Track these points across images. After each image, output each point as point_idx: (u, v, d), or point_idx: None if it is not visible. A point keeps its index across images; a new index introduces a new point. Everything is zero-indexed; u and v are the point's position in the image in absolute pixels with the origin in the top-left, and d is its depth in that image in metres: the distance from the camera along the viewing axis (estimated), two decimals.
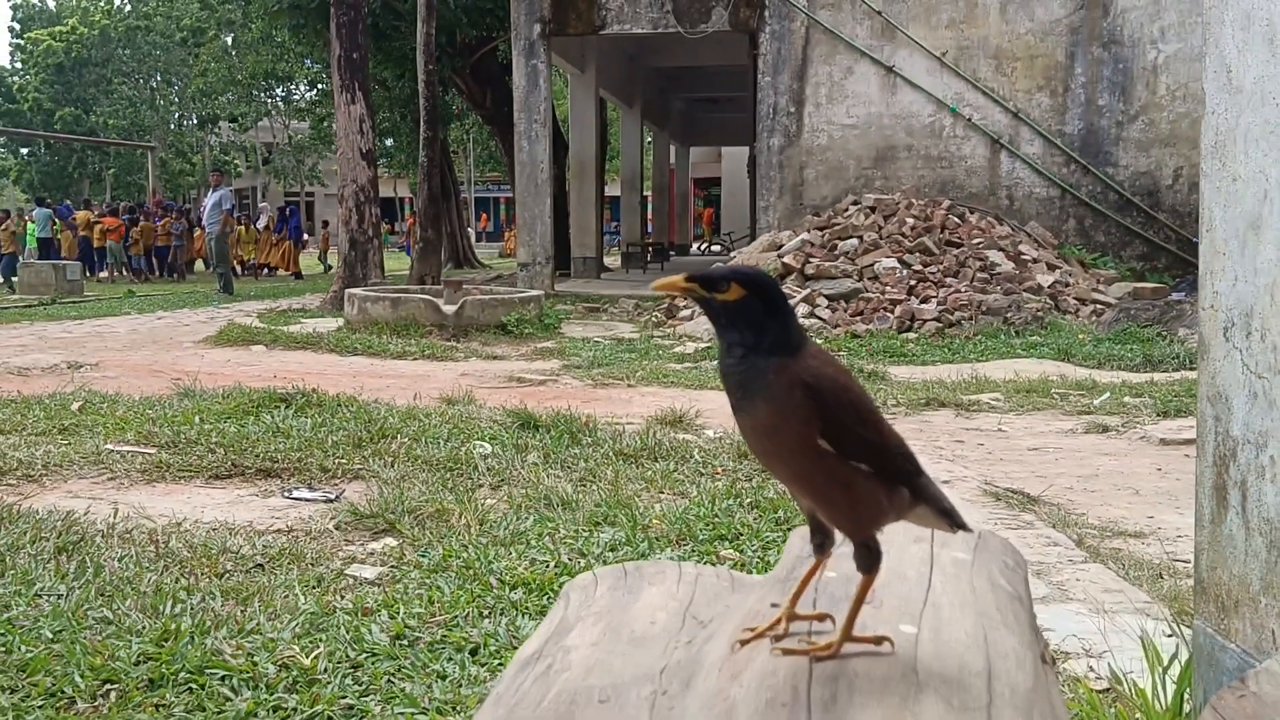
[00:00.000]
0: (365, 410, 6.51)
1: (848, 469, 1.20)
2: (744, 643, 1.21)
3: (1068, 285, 13.40)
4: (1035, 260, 13.91)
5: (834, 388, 1.20)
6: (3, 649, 3.03)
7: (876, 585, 1.37)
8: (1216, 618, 2.20)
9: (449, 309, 12.18)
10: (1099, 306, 13.01)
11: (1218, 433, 2.11)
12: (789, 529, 4.44)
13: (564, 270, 22.96)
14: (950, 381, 9.37)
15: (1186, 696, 2.44)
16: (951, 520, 1.28)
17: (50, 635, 3.14)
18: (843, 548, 1.33)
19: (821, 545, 1.28)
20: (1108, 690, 2.98)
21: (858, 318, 12.74)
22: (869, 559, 1.21)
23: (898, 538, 1.58)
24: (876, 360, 11.04)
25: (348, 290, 13.50)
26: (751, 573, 3.92)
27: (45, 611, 3.31)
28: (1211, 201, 2.09)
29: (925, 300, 12.77)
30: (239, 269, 29.27)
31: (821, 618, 1.27)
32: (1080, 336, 11.64)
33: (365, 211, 16.05)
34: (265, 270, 29.76)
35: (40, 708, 2.75)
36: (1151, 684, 2.51)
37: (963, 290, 12.80)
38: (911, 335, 12.19)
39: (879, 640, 1.18)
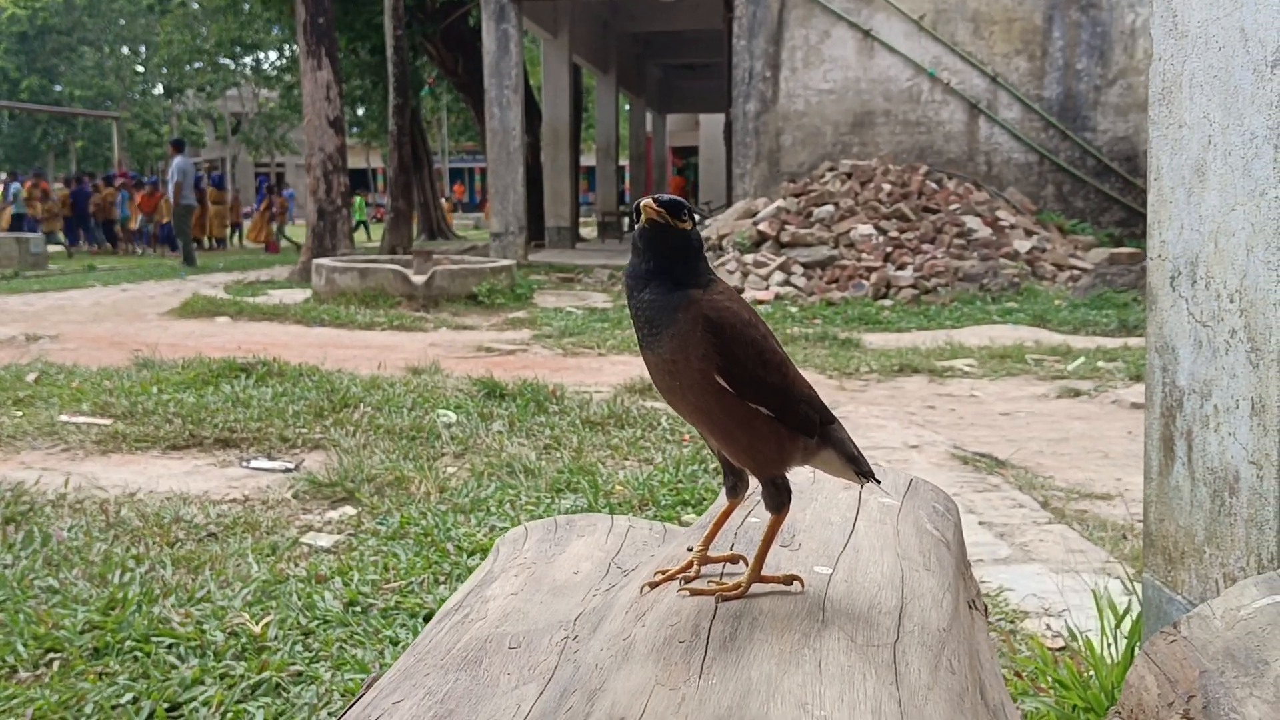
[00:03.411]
0: (328, 380, 6.43)
1: (747, 409, 1.16)
2: (653, 585, 1.17)
3: (1045, 251, 13.39)
4: (1013, 226, 13.90)
5: (736, 325, 1.17)
6: None
7: (798, 529, 1.33)
8: (1164, 570, 2.18)
9: (418, 279, 12.07)
10: (1076, 272, 13.01)
11: (1165, 383, 2.08)
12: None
13: (539, 240, 22.85)
14: (925, 348, 9.36)
15: (1137, 650, 2.42)
16: (857, 467, 1.24)
17: None
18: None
19: (734, 488, 1.24)
20: (1064, 648, 2.96)
21: (833, 285, 12.71)
22: (777, 497, 1.17)
23: (827, 484, 1.54)
24: (852, 327, 11.03)
25: (315, 261, 13.36)
26: None
27: None
28: (1159, 149, 2.05)
29: (902, 267, 12.75)
30: (214, 242, 28.98)
31: (734, 559, 1.23)
32: (1056, 302, 11.65)
33: (333, 181, 15.88)
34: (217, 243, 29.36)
35: None
36: (1102, 639, 2.49)
37: (939, 257, 12.79)
38: (887, 302, 12.18)
39: (788, 580, 1.15)
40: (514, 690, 1.01)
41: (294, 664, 2.85)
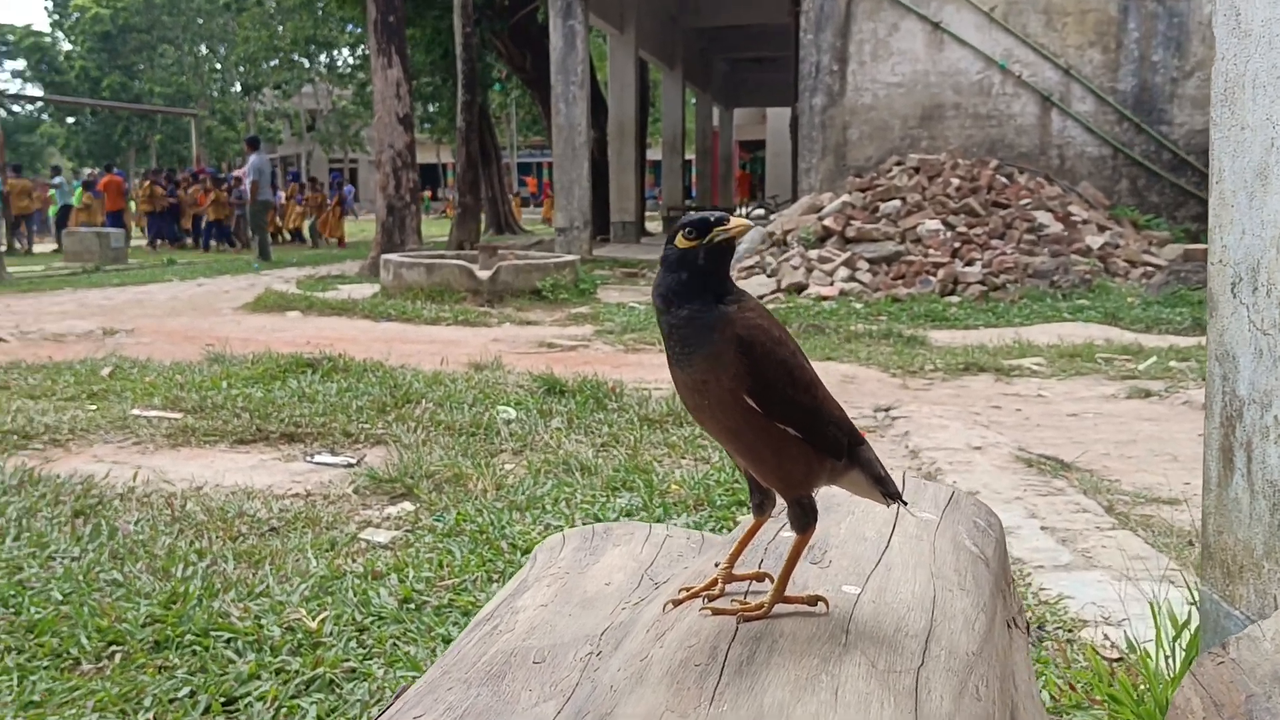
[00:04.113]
0: (391, 376, 6.51)
1: (775, 430, 1.15)
2: (676, 603, 1.17)
3: (1118, 247, 13.10)
4: (1085, 221, 13.62)
5: (767, 344, 1.16)
6: (12, 610, 3.05)
7: (831, 545, 1.31)
8: (1222, 584, 2.12)
9: (483, 274, 12.17)
10: (1149, 269, 12.72)
11: (1224, 392, 2.02)
12: None
13: (604, 235, 22.91)
14: (992, 346, 9.22)
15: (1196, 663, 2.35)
16: (884, 488, 1.22)
17: (60, 597, 3.16)
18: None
19: (760, 505, 1.23)
20: (1120, 659, 2.90)
21: (899, 281, 12.56)
22: (803, 518, 1.16)
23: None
24: (917, 324, 10.89)
25: (384, 256, 13.53)
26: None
27: (57, 573, 3.33)
28: (1220, 152, 1.99)
29: (969, 263, 12.56)
30: (290, 236, 29.49)
31: (760, 577, 1.22)
32: (1129, 300, 11.40)
33: (403, 177, 16.06)
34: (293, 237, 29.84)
35: (45, 668, 2.76)
36: (1158, 651, 2.43)
37: (1008, 252, 12.57)
38: (954, 299, 12.01)
39: (813, 600, 1.13)
40: (533, 708, 1.01)
41: (347, 660, 2.89)
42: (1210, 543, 2.17)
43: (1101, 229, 13.56)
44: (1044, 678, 2.77)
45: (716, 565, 1.25)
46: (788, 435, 1.15)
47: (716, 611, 1.12)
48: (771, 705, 0.87)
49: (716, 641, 1.03)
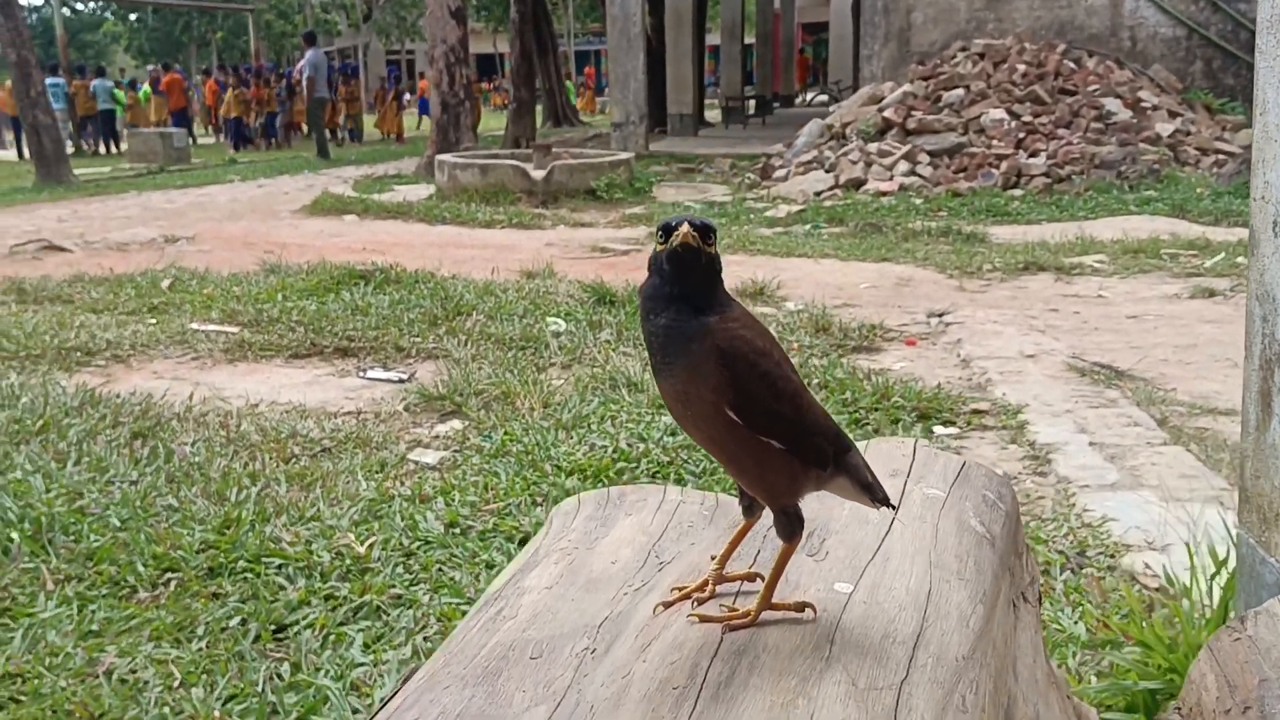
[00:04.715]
0: (443, 286, 6.55)
1: (758, 442, 1.14)
2: (666, 605, 1.18)
3: (1189, 134, 12.63)
4: (1155, 108, 13.12)
5: (749, 356, 1.14)
6: (72, 538, 3.17)
7: (831, 531, 1.31)
8: (1258, 529, 2.09)
9: (538, 174, 12.10)
10: (1221, 157, 12.26)
11: (1264, 335, 1.96)
12: (855, 412, 4.37)
13: (661, 127, 22.58)
14: (1053, 243, 9.01)
15: (1232, 605, 2.34)
16: (872, 495, 1.21)
17: (118, 523, 3.28)
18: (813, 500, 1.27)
19: (750, 507, 1.23)
20: (1159, 590, 2.89)
21: (960, 174, 12.27)
22: (789, 526, 1.16)
23: (875, 470, 1.51)
24: (978, 220, 10.66)
25: (438, 157, 13.48)
26: None
27: (115, 499, 3.45)
28: (1266, 82, 1.90)
29: (1034, 154, 12.21)
30: (351, 134, 29.41)
31: (751, 577, 1.22)
32: (1198, 190, 11.02)
33: (456, 73, 15.88)
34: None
35: (104, 597, 2.88)
36: (1194, 586, 2.41)
37: (1075, 142, 12.19)
38: (1017, 192, 11.71)
39: (800, 607, 1.13)
40: (525, 712, 1.04)
41: (394, 586, 2.97)
42: (1247, 487, 2.13)
43: (1172, 115, 13.06)
44: (1081, 609, 2.77)
45: (712, 558, 1.25)
46: (771, 447, 1.14)
47: (703, 619, 1.13)
48: None
49: (698, 658, 1.04)
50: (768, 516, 1.21)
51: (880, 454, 1.53)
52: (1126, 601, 2.70)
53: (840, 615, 1.11)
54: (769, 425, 1.14)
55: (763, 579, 1.17)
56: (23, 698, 2.40)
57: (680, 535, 1.47)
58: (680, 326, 1.14)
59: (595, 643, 1.17)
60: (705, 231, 1.17)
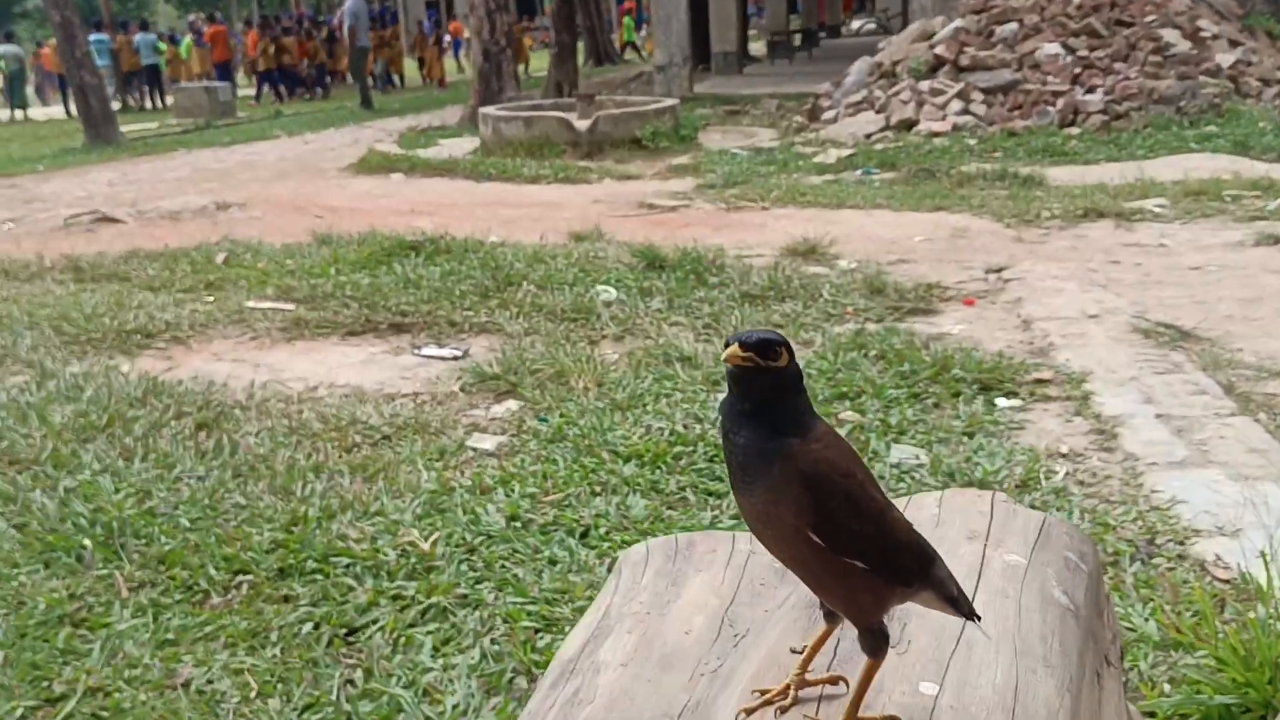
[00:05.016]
0: (493, 256, 6.54)
1: (842, 563, 1.11)
2: (749, 712, 1.17)
3: (1250, 64, 12.22)
4: (1215, 37, 12.69)
5: (833, 479, 1.11)
6: (144, 541, 3.23)
7: (911, 616, 1.29)
8: None
9: (582, 125, 12.00)
10: None
11: None
12: (914, 385, 4.32)
13: (705, 65, 22.26)
14: (1112, 185, 8.82)
15: None
16: (958, 608, 1.18)
17: (188, 524, 3.33)
18: None
19: (831, 615, 1.21)
20: (1229, 583, 2.84)
21: (1015, 112, 12.00)
22: (873, 643, 1.14)
23: (950, 533, 1.48)
24: (1034, 160, 10.45)
25: (481, 110, 13.41)
26: (870, 437, 3.85)
27: (184, 497, 3.50)
28: None
29: (1091, 90, 11.89)
30: (398, 80, 29.29)
31: (834, 681, 1.21)
32: (1260, 125, 10.70)
33: (497, 20, 15.72)
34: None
35: (177, 603, 2.94)
36: (1272, 592, 2.37)
37: (1132, 77, 11.84)
38: (1074, 130, 11.44)
39: None
40: None
41: (459, 585, 3.00)
42: None
43: (1233, 44, 12.63)
44: (1152, 604, 2.74)
45: (793, 651, 1.24)
46: (855, 567, 1.11)
47: None
48: None
49: None
50: None
51: (956, 509, 1.50)
52: (1197, 598, 2.67)
53: None
54: (852, 546, 1.11)
55: (846, 683, 1.16)
56: (104, 713, 2.47)
57: (753, 598, 1.46)
58: (759, 446, 1.11)
59: None
60: (765, 348, 1.13)
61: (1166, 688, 2.35)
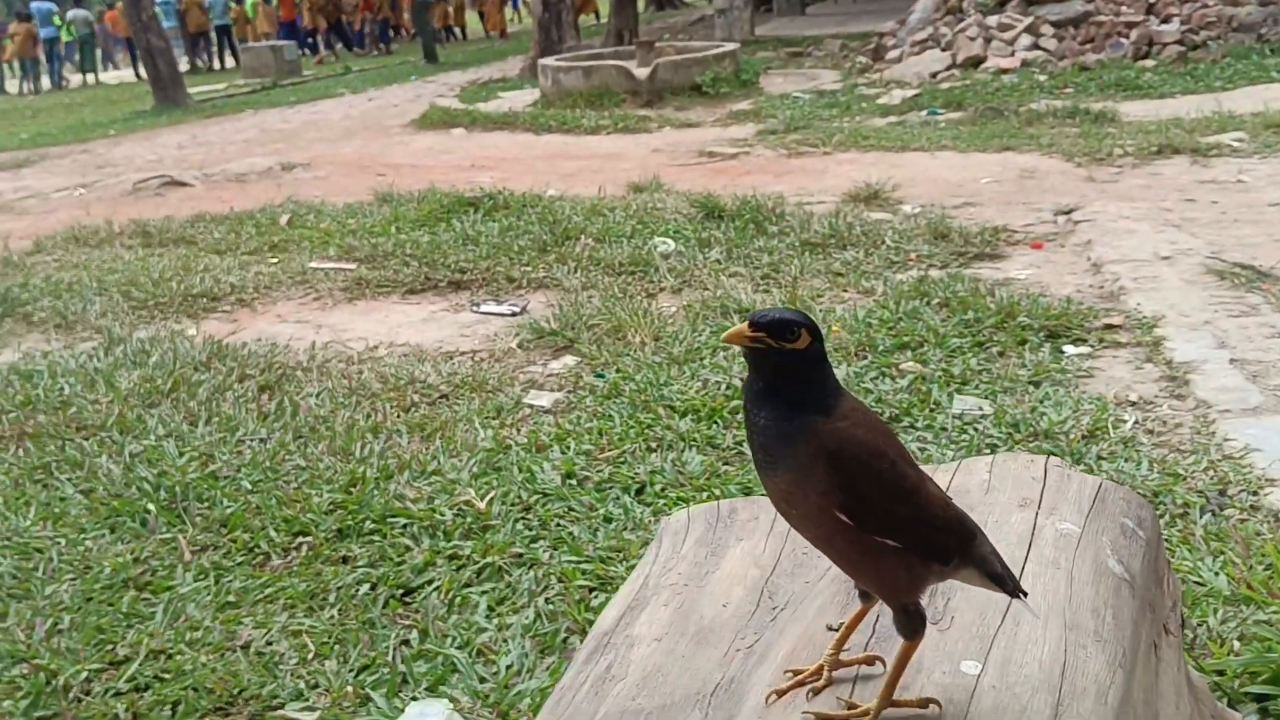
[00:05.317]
0: (550, 210, 6.51)
1: (872, 543, 1.06)
2: (780, 693, 1.13)
3: None
4: None
5: (861, 458, 1.05)
6: (206, 504, 3.28)
7: (955, 589, 1.24)
8: None
9: (641, 74, 11.85)
10: None
11: None
12: (978, 333, 4.21)
13: (767, 5, 21.87)
14: (1188, 120, 8.50)
15: None
16: (1002, 585, 1.12)
17: (249, 486, 3.38)
18: None
19: (866, 594, 1.16)
20: None
21: (1087, 46, 11.61)
22: (909, 624, 1.08)
23: (1001, 500, 1.43)
24: (1107, 95, 10.11)
25: (540, 61, 13.31)
26: (932, 388, 3.76)
27: (246, 460, 3.55)
28: None
29: (1166, 20, 11.45)
30: (459, 33, 29.24)
31: (870, 661, 1.16)
32: None
33: None
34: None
35: (238, 565, 2.98)
36: None
37: (1211, 4, 11.36)
38: (1149, 63, 11.04)
39: (924, 704, 1.07)
40: None
41: (514, 544, 3.00)
42: None
43: None
44: (1223, 558, 2.65)
45: (829, 629, 1.20)
46: (886, 546, 1.07)
47: (820, 717, 1.08)
48: None
49: None
50: None
51: (1008, 475, 1.44)
52: (1269, 551, 2.57)
53: (968, 707, 1.05)
54: (884, 526, 1.07)
55: (883, 663, 1.11)
56: (166, 675, 2.51)
57: (794, 568, 1.42)
58: (781, 426, 1.06)
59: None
60: (780, 328, 1.07)
61: (1236, 645, 2.27)
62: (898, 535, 1.07)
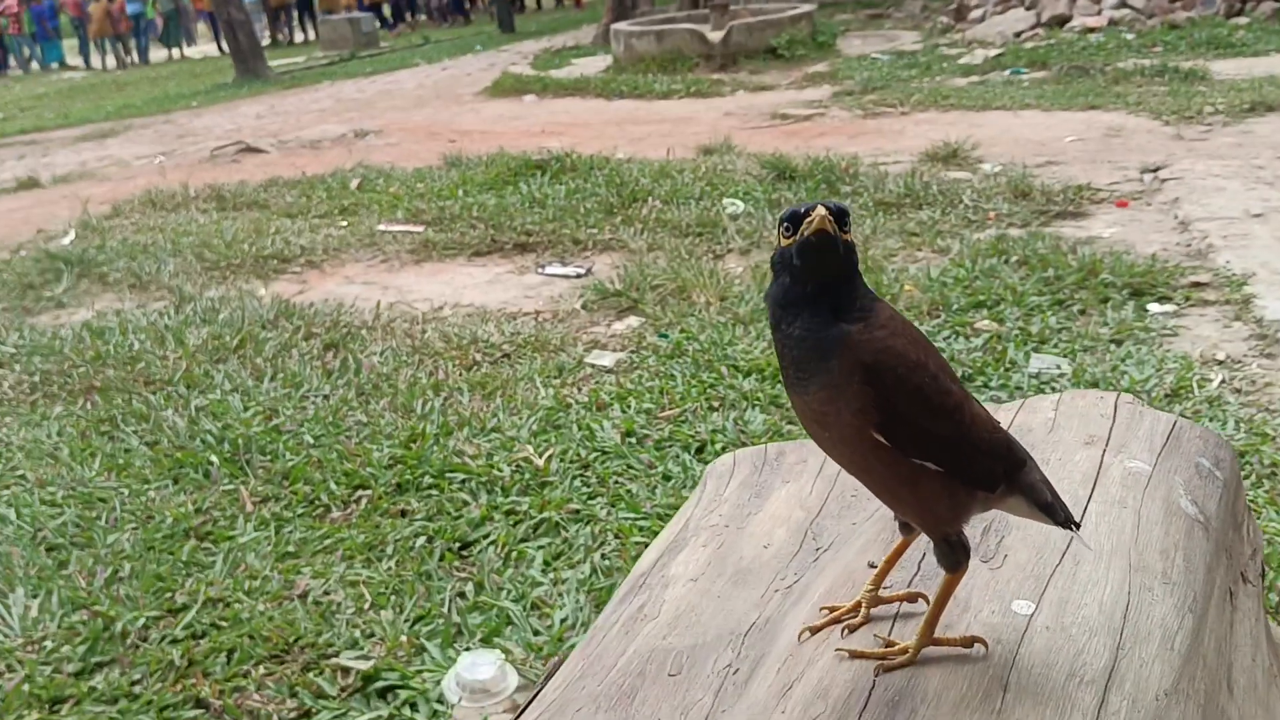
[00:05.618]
0: (618, 172, 6.43)
1: (911, 465, 0.97)
2: (814, 630, 1.05)
3: None
4: None
5: (899, 371, 0.97)
6: (269, 457, 3.29)
7: (1011, 525, 1.16)
8: None
9: (715, 37, 11.69)
10: None
11: None
12: (1059, 291, 4.06)
13: None
14: None
15: None
16: (1052, 515, 1.02)
17: (311, 440, 3.38)
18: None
19: (907, 525, 1.08)
20: None
21: (1177, 3, 11.18)
22: (951, 556, 1.00)
23: (1066, 437, 1.33)
24: (1198, 54, 9.73)
25: (613, 26, 13.21)
26: (1008, 347, 3.63)
27: (309, 415, 3.56)
28: None
29: None
30: (535, 1, 29.19)
31: (911, 598, 1.08)
32: None
33: None
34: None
35: (299, 517, 2.98)
36: None
37: None
38: (1242, 20, 10.60)
39: (968, 642, 0.98)
40: None
41: (571, 501, 2.96)
42: None
43: None
44: None
45: (870, 566, 1.12)
46: (927, 470, 0.98)
47: (854, 655, 1.00)
48: None
49: (845, 711, 0.92)
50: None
51: (1075, 413, 1.35)
52: None
53: (1018, 648, 0.97)
54: (924, 447, 0.98)
55: (926, 600, 1.03)
56: (223, 623, 2.52)
57: (841, 510, 1.34)
58: (816, 337, 0.98)
59: (738, 659, 1.07)
60: (840, 216, 1.00)
61: None
62: (939, 458, 0.98)
